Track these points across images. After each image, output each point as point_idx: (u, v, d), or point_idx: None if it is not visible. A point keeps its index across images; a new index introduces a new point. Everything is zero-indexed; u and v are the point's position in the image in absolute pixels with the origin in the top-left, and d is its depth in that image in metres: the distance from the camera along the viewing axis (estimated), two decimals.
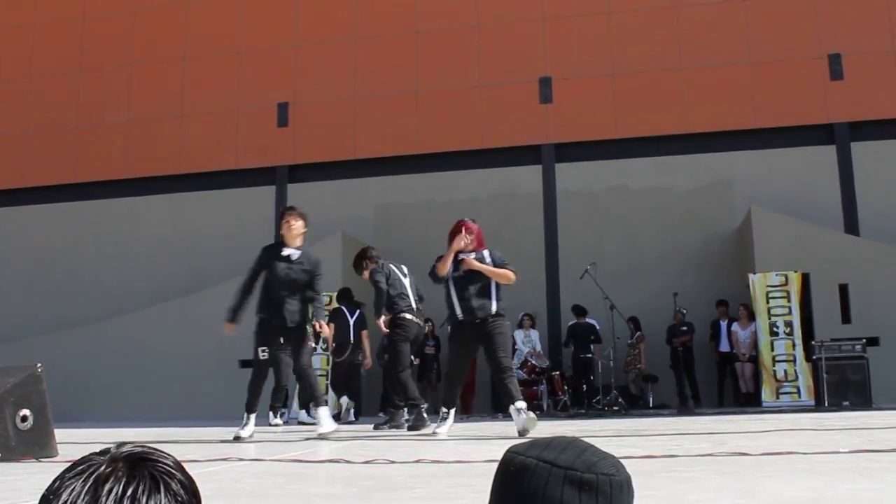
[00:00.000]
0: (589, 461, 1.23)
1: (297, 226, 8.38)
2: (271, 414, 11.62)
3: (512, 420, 7.55)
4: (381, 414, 14.78)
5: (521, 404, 7.40)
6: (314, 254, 8.63)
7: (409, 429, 9.00)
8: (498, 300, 8.14)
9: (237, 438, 7.93)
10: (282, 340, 8.28)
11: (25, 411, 6.10)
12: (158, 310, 16.35)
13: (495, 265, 8.25)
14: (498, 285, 8.19)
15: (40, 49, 19.10)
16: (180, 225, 17.80)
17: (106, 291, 17.64)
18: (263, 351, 8.32)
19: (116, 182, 18.28)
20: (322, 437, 7.88)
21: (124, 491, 1.02)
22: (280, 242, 8.50)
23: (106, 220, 18.17)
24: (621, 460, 1.28)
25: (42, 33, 19.17)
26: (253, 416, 8.26)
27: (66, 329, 16.90)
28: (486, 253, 8.35)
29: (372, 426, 10.04)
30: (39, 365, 6.37)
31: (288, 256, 8.30)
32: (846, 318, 13.70)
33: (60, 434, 6.62)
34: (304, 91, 17.66)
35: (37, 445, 6.12)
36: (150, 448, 1.10)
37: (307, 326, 8.39)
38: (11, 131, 18.96)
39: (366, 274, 10.31)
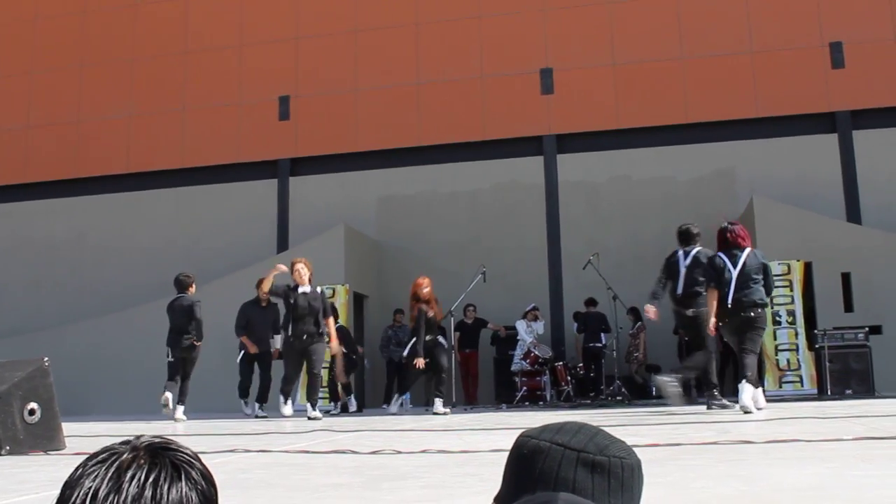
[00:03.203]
0: (601, 444, 1.26)
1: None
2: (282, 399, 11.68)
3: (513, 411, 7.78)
4: (384, 406, 14.83)
5: None
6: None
7: None
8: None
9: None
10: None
11: (33, 405, 6.13)
12: (162, 302, 16.35)
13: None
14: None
15: (41, 44, 19.10)
16: (182, 219, 17.82)
17: (109, 286, 17.67)
18: None
19: (118, 177, 18.30)
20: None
21: (147, 477, 1.05)
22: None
23: (108, 215, 18.19)
24: None
25: (42, 28, 19.17)
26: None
27: (69, 323, 16.94)
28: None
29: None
30: (46, 359, 6.40)
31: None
32: (848, 306, 13.71)
33: (67, 427, 6.66)
34: (305, 84, 17.67)
35: (44, 439, 6.16)
36: (168, 439, 1.13)
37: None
38: (13, 127, 18.98)
39: None
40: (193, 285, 13.26)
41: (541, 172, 16.55)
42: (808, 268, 13.68)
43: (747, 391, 8.41)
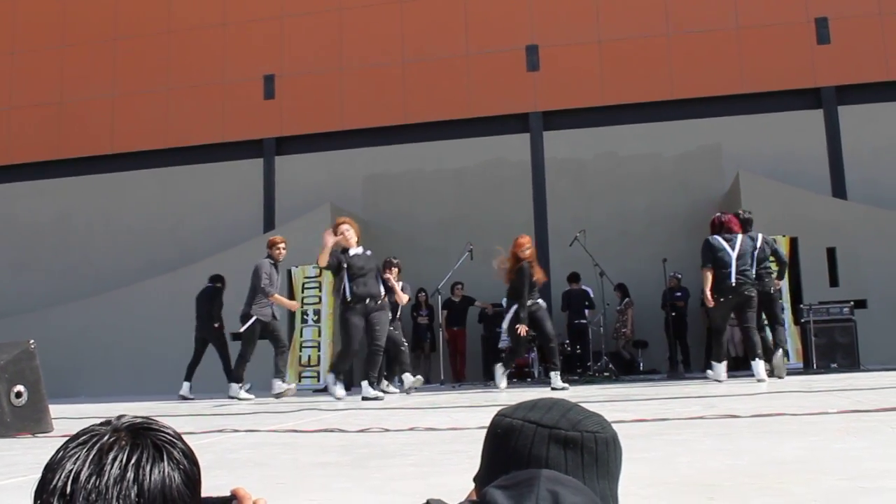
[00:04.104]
0: (573, 419, 1.26)
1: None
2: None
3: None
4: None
5: None
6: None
7: None
8: None
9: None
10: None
11: (20, 387, 6.12)
12: (148, 283, 16.34)
13: None
14: None
15: (23, 24, 18.92)
16: (168, 199, 17.75)
17: (95, 267, 17.60)
18: None
19: (103, 157, 18.19)
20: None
21: (128, 458, 1.04)
22: None
23: (93, 196, 18.09)
24: (613, 424, 1.30)
25: (24, 8, 18.98)
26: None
27: (55, 305, 16.89)
28: None
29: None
30: (32, 341, 6.39)
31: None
32: (834, 281, 13.79)
33: (54, 409, 6.65)
34: (291, 63, 17.57)
35: (32, 421, 6.15)
36: (150, 419, 1.12)
37: None
38: None
39: None
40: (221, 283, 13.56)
41: (527, 149, 16.53)
42: (793, 243, 13.74)
43: (761, 365, 9.67)
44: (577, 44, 16.51)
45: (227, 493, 1.19)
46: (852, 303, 12.75)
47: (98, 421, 1.11)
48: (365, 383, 9.63)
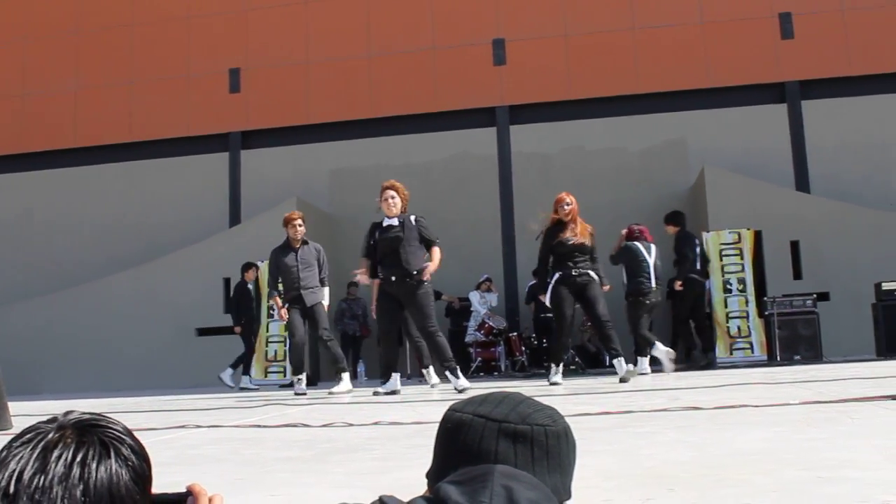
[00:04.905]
0: (523, 413, 1.24)
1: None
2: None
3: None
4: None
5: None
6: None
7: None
8: None
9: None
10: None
11: None
12: (112, 279, 16.19)
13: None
14: None
15: None
16: (133, 193, 17.59)
17: (58, 262, 17.42)
18: None
19: (66, 151, 18.00)
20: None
21: (74, 456, 1.02)
22: None
23: (56, 190, 17.89)
24: (578, 417, 1.29)
25: None
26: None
27: (18, 301, 16.69)
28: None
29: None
30: None
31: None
32: (797, 274, 13.94)
33: (16, 406, 6.56)
34: (256, 56, 17.46)
35: None
36: (98, 415, 1.10)
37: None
38: None
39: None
40: (250, 271, 13.64)
41: (494, 143, 16.55)
42: (758, 236, 13.85)
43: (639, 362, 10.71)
44: (543, 38, 16.54)
45: (184, 490, 1.17)
46: (815, 295, 12.89)
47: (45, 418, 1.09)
48: (426, 372, 9.72)
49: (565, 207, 9.15)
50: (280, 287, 10.34)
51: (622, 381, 8.49)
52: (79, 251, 17.41)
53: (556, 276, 9.01)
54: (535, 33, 16.58)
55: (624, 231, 11.44)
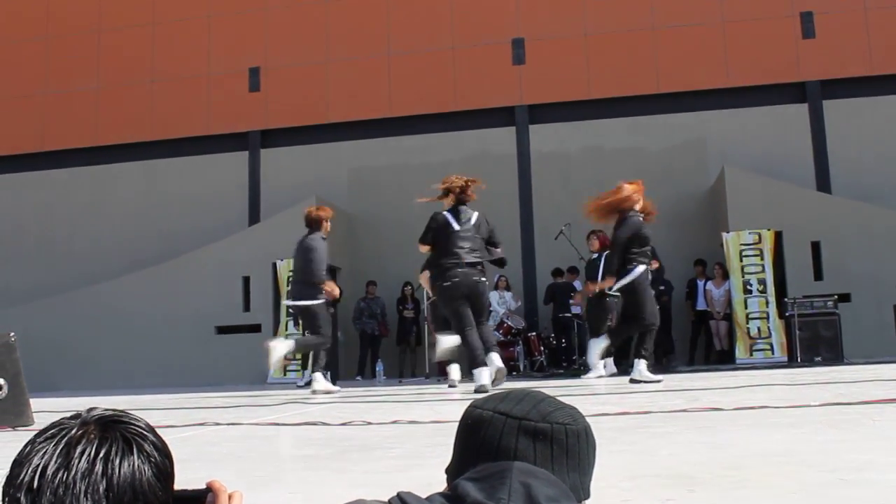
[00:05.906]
0: (544, 411, 1.24)
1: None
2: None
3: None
4: (357, 377, 14.86)
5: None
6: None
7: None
8: None
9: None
10: None
11: (0, 380, 6.06)
12: (132, 277, 16.27)
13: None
14: None
15: (5, 17, 18.78)
16: (152, 192, 17.67)
17: (79, 260, 17.52)
18: None
19: (87, 150, 18.10)
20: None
21: (97, 452, 1.02)
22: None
23: (77, 189, 18.00)
24: (597, 416, 1.29)
25: (7, 1, 18.84)
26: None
27: (39, 298, 16.79)
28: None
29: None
30: (13, 334, 6.33)
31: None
32: (818, 275, 13.85)
33: (36, 403, 6.60)
34: (276, 55, 17.50)
35: (12, 414, 6.09)
36: (121, 412, 1.10)
37: None
38: None
39: None
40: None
41: (513, 143, 16.53)
42: (778, 237, 13.79)
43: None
44: (562, 37, 16.50)
45: (203, 486, 1.18)
46: (836, 296, 12.81)
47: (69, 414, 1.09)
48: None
49: (626, 196, 8.76)
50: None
51: (632, 381, 8.40)
52: (98, 250, 17.50)
53: (640, 268, 8.62)
54: (554, 33, 16.54)
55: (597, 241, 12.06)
